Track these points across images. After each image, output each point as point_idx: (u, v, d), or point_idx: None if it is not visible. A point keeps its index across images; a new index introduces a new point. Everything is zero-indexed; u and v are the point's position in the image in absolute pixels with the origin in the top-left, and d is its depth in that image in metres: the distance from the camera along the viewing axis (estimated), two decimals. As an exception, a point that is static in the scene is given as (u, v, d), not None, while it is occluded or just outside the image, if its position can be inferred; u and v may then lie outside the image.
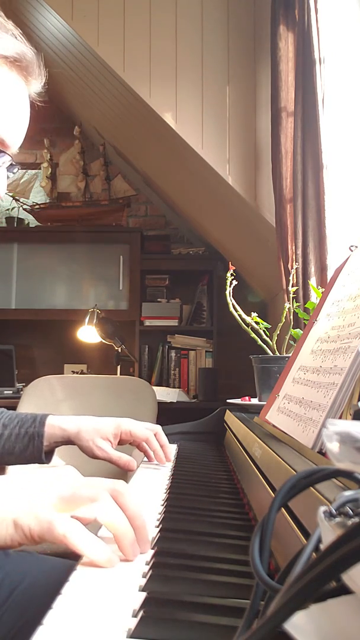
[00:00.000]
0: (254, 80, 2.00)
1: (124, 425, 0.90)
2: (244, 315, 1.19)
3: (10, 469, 1.76)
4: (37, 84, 0.70)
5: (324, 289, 0.87)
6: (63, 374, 3.10)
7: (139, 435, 0.90)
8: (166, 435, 0.97)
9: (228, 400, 1.28)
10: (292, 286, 1.29)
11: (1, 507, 0.45)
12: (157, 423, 2.15)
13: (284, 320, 1.19)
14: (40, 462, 0.87)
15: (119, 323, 2.87)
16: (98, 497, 0.46)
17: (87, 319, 2.76)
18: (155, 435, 0.93)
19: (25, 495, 0.46)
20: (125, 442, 0.91)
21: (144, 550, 0.48)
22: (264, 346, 1.20)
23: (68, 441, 0.88)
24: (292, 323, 1.24)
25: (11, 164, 0.69)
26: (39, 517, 0.43)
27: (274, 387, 0.86)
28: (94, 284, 3.14)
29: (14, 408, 2.01)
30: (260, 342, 1.20)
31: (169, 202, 3.20)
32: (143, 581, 0.41)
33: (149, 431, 0.92)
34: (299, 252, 1.52)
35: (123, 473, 1.23)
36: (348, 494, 0.28)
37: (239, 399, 1.26)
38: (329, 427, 0.26)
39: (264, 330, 1.19)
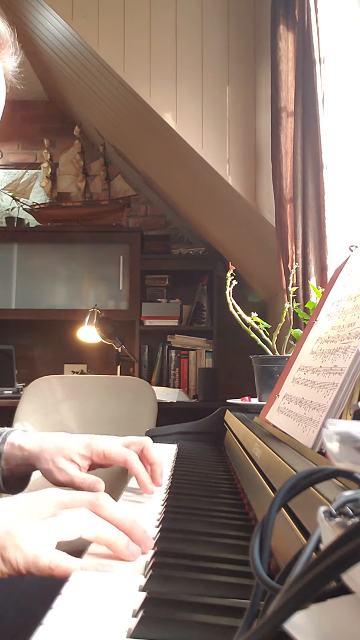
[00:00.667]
0: (254, 80, 2.00)
1: (96, 444, 0.72)
2: (244, 315, 1.19)
3: None
4: (10, 60, 0.67)
5: (324, 289, 0.87)
6: (63, 374, 3.10)
7: (114, 457, 0.71)
8: (166, 435, 0.95)
9: (228, 400, 1.28)
10: (292, 286, 1.29)
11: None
12: (157, 423, 2.14)
13: (284, 320, 1.19)
14: None
15: (119, 323, 2.87)
16: (78, 516, 0.46)
17: (87, 319, 2.76)
18: (142, 450, 0.74)
19: (8, 523, 0.45)
20: (100, 466, 0.74)
21: (145, 550, 0.48)
22: (264, 346, 1.20)
23: (29, 464, 0.73)
24: (292, 323, 1.24)
25: None
26: (24, 551, 0.43)
27: (274, 387, 0.86)
28: (94, 284, 3.14)
29: (14, 408, 2.01)
30: (260, 342, 1.20)
31: (169, 202, 3.20)
32: (143, 581, 0.41)
33: (130, 451, 0.72)
34: (299, 252, 1.52)
35: (123, 472, 1.18)
36: (348, 494, 0.28)
37: (239, 399, 1.26)
38: (329, 427, 0.26)
39: (264, 330, 1.19)
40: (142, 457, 0.73)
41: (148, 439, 0.76)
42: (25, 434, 0.74)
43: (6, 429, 0.75)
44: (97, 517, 0.47)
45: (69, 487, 0.69)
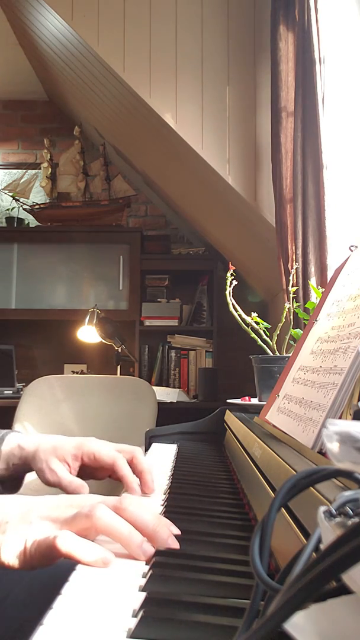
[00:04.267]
0: (254, 80, 2.00)
1: (87, 446, 0.72)
2: (244, 315, 1.19)
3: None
4: None
5: (324, 289, 0.87)
6: (63, 374, 3.10)
7: (103, 458, 0.71)
8: (166, 435, 0.95)
9: (228, 400, 1.28)
10: (292, 286, 1.29)
11: (15, 529, 0.46)
12: (157, 423, 2.14)
13: (284, 320, 1.19)
14: None
15: (119, 323, 2.87)
16: (93, 510, 0.47)
17: (87, 319, 2.76)
18: (132, 459, 0.73)
19: (33, 516, 0.47)
20: (90, 468, 0.74)
21: (163, 546, 0.48)
22: (264, 346, 1.20)
23: (26, 463, 0.74)
24: (292, 323, 1.24)
25: None
26: (37, 538, 0.45)
27: (274, 387, 0.86)
28: (94, 284, 3.14)
29: (14, 408, 2.01)
30: (260, 342, 1.20)
31: (169, 202, 3.20)
32: (143, 581, 0.41)
33: (118, 454, 0.72)
34: (299, 252, 1.52)
35: (117, 487, 1.17)
36: (348, 494, 0.28)
37: (239, 399, 1.26)
38: (329, 427, 0.26)
39: (264, 330, 1.19)
40: (132, 465, 0.72)
41: (139, 449, 0.75)
42: (24, 435, 0.76)
43: (5, 431, 0.76)
44: (110, 512, 0.47)
45: (57, 488, 0.71)
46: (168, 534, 0.48)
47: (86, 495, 0.51)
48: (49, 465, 0.71)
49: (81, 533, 0.46)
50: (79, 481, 0.71)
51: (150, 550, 0.46)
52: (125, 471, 0.70)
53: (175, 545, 0.48)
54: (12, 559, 0.45)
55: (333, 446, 0.25)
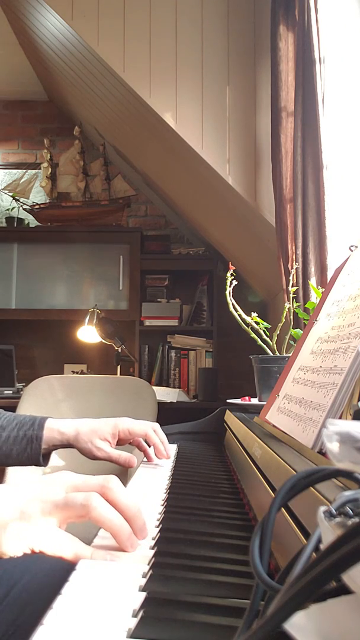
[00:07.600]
0: (254, 80, 2.00)
1: (121, 424, 0.90)
2: (244, 315, 1.19)
3: (10, 471, 1.77)
4: None
5: (324, 289, 0.87)
6: (63, 374, 3.09)
7: (137, 431, 0.91)
8: (166, 435, 0.97)
9: (228, 400, 1.28)
10: (292, 286, 1.29)
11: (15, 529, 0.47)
12: (157, 423, 2.14)
13: (284, 320, 1.19)
14: (38, 464, 0.88)
15: (119, 323, 2.87)
16: (89, 500, 0.48)
17: (87, 319, 2.76)
18: (154, 430, 0.94)
19: (23, 504, 0.48)
20: (124, 442, 0.92)
21: (141, 537, 0.50)
22: (264, 346, 1.20)
23: (67, 444, 0.88)
24: (292, 323, 1.24)
25: None
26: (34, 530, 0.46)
27: (274, 387, 0.86)
28: (94, 284, 3.14)
29: (14, 408, 2.01)
30: (260, 342, 1.20)
31: (169, 202, 3.20)
32: (143, 581, 0.41)
33: (148, 427, 0.93)
34: (299, 252, 1.52)
35: (123, 472, 1.25)
36: (348, 494, 0.28)
37: (239, 399, 1.26)
38: (329, 427, 0.26)
39: (264, 330, 1.19)
40: (152, 436, 0.94)
41: (157, 424, 0.96)
42: (61, 420, 0.89)
43: (37, 417, 0.90)
44: (106, 503, 0.49)
45: (107, 461, 0.87)
46: (144, 522, 0.51)
47: (63, 474, 0.53)
48: (95, 445, 0.87)
49: (72, 519, 0.48)
50: (127, 454, 0.87)
51: (136, 543, 0.49)
52: (155, 440, 0.94)
53: (145, 533, 0.51)
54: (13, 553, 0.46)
55: (333, 446, 0.25)
